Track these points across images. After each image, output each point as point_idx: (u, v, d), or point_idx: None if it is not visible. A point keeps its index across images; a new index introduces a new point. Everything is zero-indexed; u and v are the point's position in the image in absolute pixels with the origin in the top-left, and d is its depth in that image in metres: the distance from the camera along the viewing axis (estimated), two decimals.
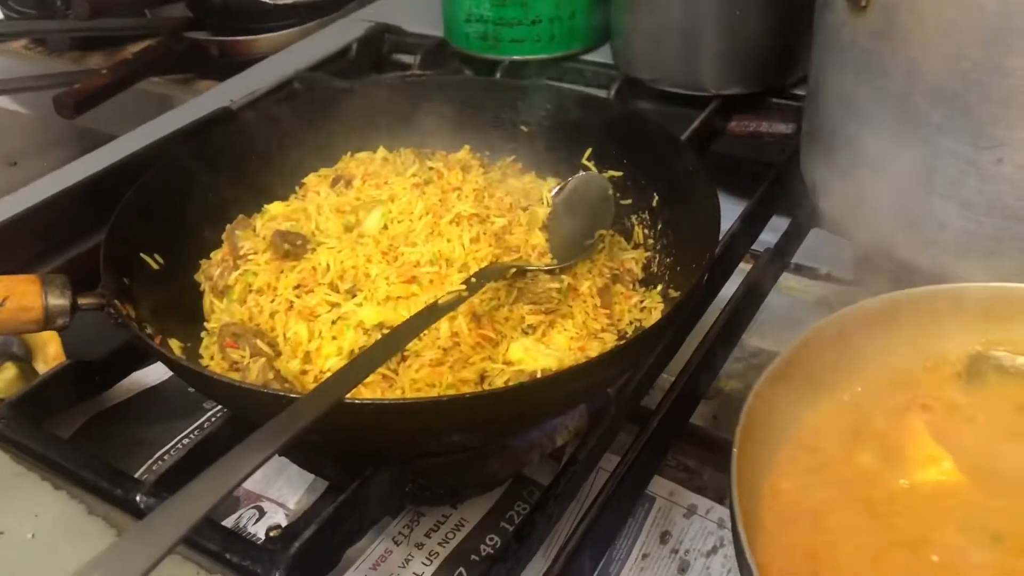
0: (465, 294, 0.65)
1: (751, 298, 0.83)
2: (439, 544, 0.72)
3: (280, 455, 0.73)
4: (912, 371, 0.64)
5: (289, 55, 1.27)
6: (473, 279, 0.67)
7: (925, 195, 0.74)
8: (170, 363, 0.62)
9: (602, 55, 1.19)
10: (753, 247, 0.93)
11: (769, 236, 0.93)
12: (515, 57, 1.18)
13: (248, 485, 0.77)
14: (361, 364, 0.56)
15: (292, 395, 0.55)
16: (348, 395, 0.54)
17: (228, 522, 0.74)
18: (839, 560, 0.53)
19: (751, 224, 0.90)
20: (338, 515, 0.63)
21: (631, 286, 0.76)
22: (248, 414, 0.60)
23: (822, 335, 0.62)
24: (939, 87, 0.70)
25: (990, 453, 0.59)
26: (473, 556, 0.71)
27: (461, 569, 0.70)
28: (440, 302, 0.64)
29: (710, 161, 0.96)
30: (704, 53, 1.06)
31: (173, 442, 0.79)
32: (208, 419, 0.80)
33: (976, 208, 0.71)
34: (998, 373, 0.64)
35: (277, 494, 0.76)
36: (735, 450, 0.53)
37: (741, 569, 0.50)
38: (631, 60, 1.12)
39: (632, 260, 0.77)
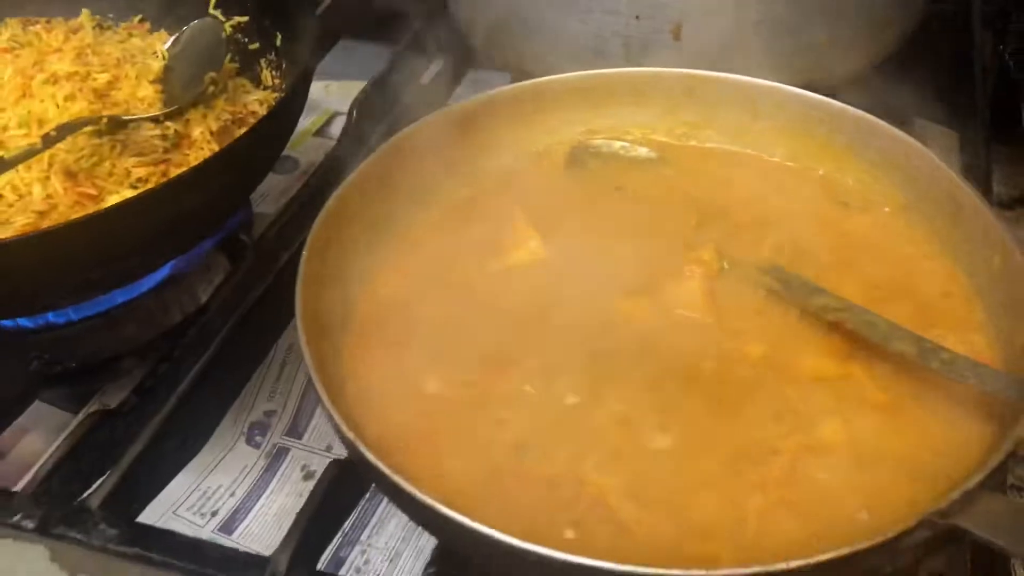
0: (39, 147, 0.61)
1: None
2: None
3: None
4: (517, 168, 0.66)
5: None
6: (53, 132, 0.62)
7: (537, 5, 0.75)
8: None
9: None
10: None
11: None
12: None
13: None
14: None
15: None
16: None
17: None
18: (422, 345, 0.54)
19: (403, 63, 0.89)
20: None
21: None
22: None
23: (417, 136, 0.62)
24: None
25: (580, 232, 0.61)
26: None
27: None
28: (7, 156, 0.59)
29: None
30: None
31: None
32: None
33: (577, 7, 0.72)
34: (597, 159, 0.67)
35: None
36: (305, 253, 0.53)
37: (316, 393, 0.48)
38: None
39: (256, 101, 0.74)
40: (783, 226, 0.60)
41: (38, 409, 0.69)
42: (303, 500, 0.59)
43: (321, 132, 1.00)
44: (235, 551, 0.55)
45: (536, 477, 0.47)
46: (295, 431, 0.70)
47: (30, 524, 0.52)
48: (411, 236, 0.61)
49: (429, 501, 0.41)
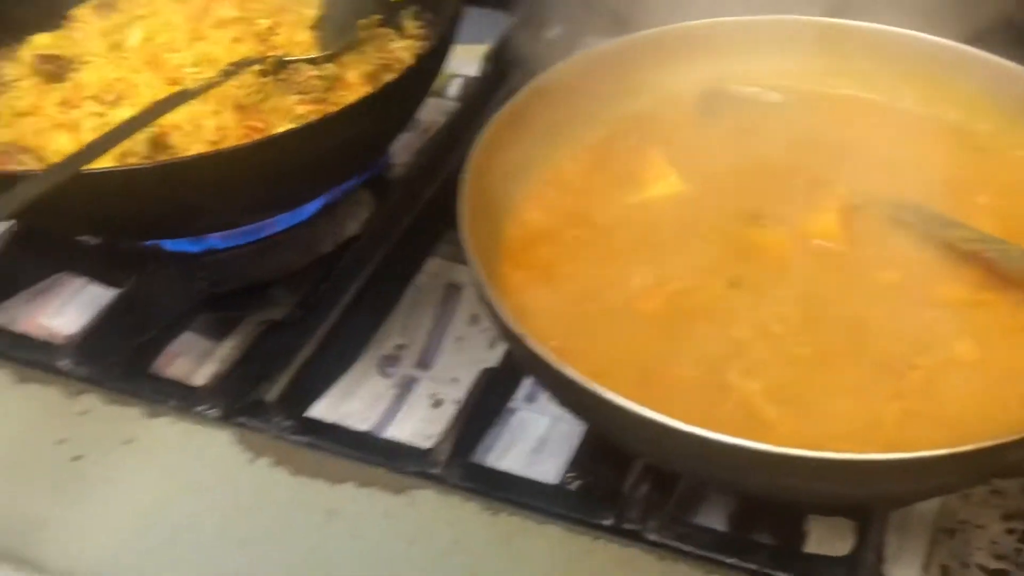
0: (217, 79, 0.66)
1: None
2: None
3: (68, 269, 0.75)
4: (652, 110, 0.69)
5: None
6: (229, 68, 0.68)
7: None
8: None
9: None
10: None
11: None
12: None
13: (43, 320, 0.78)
14: (100, 142, 0.57)
15: (26, 171, 0.56)
16: None
17: None
18: (570, 268, 0.58)
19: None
20: (119, 306, 0.65)
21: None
22: None
23: (559, 77, 0.66)
24: None
25: (715, 168, 0.64)
26: None
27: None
28: (191, 88, 0.65)
29: None
30: None
31: None
32: None
33: None
34: (729, 103, 0.69)
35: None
36: (464, 180, 0.57)
37: (481, 295, 0.53)
38: None
39: (403, 49, 0.79)
40: (915, 169, 0.62)
41: (188, 338, 0.76)
42: (434, 425, 0.64)
43: (442, 93, 1.04)
44: (397, 443, 0.60)
45: (683, 381, 0.50)
46: (424, 363, 0.75)
47: (214, 413, 0.58)
48: (553, 172, 0.65)
49: (597, 388, 0.45)
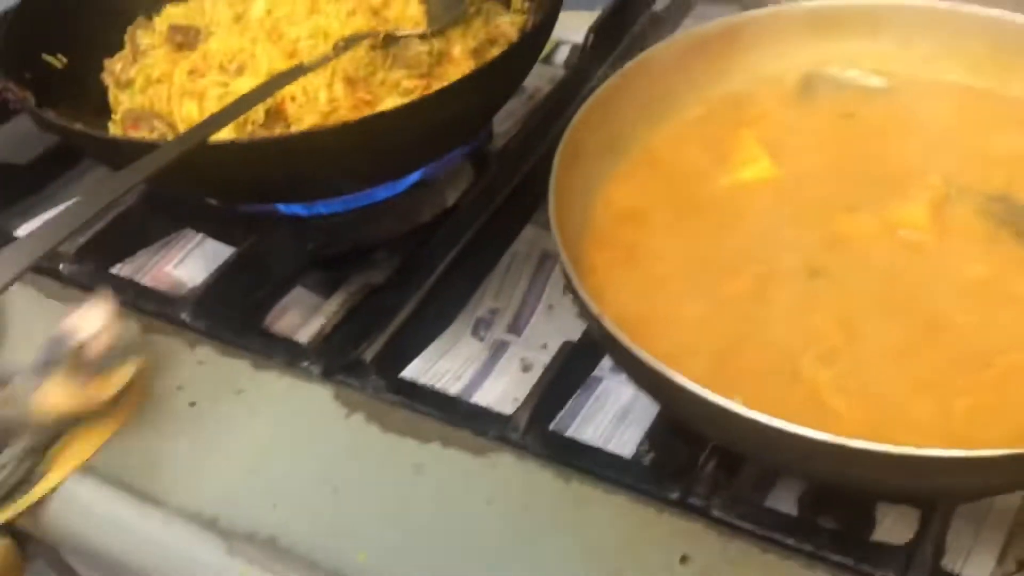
0: (331, 55, 0.70)
1: None
2: None
3: (191, 226, 0.81)
4: (750, 92, 0.70)
5: None
6: (341, 43, 0.72)
7: None
8: (52, 126, 0.68)
9: None
10: None
11: None
12: None
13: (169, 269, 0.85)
14: (224, 113, 0.62)
15: (157, 141, 0.61)
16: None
17: None
18: (655, 248, 0.60)
19: None
20: (237, 265, 0.71)
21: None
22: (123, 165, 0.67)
23: (658, 57, 0.67)
24: None
25: (808, 153, 0.64)
26: None
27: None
28: (306, 62, 0.69)
29: None
30: None
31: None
32: None
33: None
34: (829, 86, 0.69)
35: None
36: (556, 160, 0.59)
37: (564, 273, 0.54)
38: None
39: (507, 23, 0.81)
40: (1015, 162, 0.61)
41: (296, 293, 0.81)
42: (522, 388, 0.67)
43: (548, 60, 1.06)
44: (481, 407, 0.63)
45: (757, 366, 0.52)
46: (515, 328, 0.78)
47: (316, 370, 0.63)
48: (645, 151, 0.67)
49: (666, 371, 0.47)
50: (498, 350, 0.76)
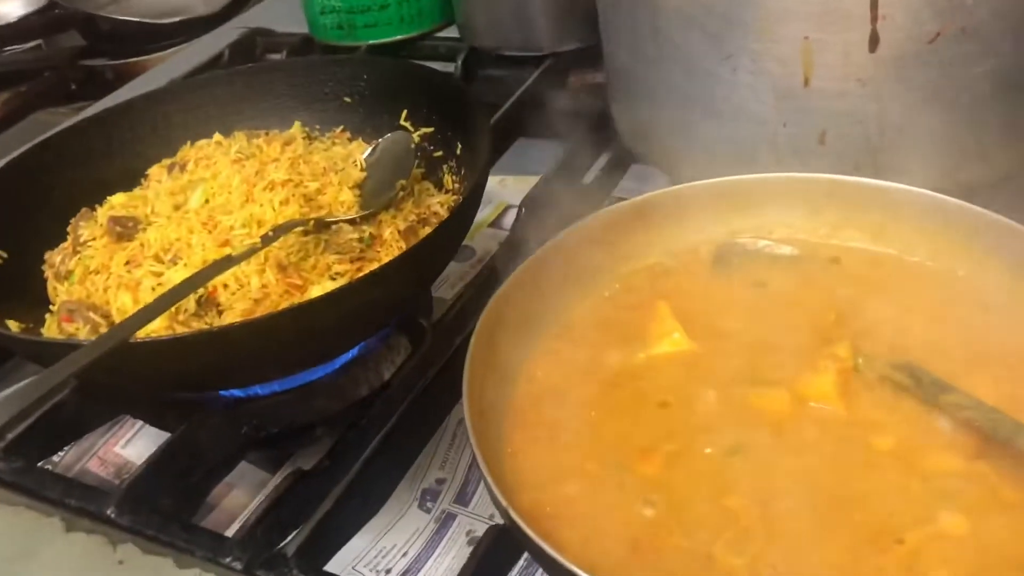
0: (259, 245, 0.72)
1: None
2: None
3: (127, 412, 0.81)
4: (666, 264, 0.72)
5: (165, 67, 1.35)
6: (270, 232, 0.74)
7: (690, 114, 0.81)
8: None
9: (452, 31, 1.26)
10: None
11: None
12: (371, 42, 1.26)
13: (117, 449, 0.84)
14: (151, 308, 0.63)
15: (80, 341, 0.62)
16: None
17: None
18: (572, 428, 0.61)
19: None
20: (167, 453, 0.71)
21: None
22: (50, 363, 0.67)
23: (575, 236, 0.69)
24: (678, 11, 0.77)
25: (722, 324, 0.66)
26: None
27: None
28: (234, 254, 0.71)
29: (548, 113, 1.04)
30: (536, 16, 1.15)
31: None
32: None
33: (727, 116, 0.78)
34: (741, 256, 0.71)
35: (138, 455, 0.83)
36: (474, 340, 0.61)
37: (477, 463, 0.55)
38: (473, 31, 1.20)
39: (438, 204, 0.84)
40: (920, 324, 0.63)
41: (242, 469, 0.81)
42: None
43: (496, 223, 1.09)
44: None
45: (673, 551, 0.51)
46: (463, 499, 0.78)
47: (238, 565, 0.62)
48: (565, 327, 0.68)
49: (574, 569, 0.46)
50: (445, 522, 0.75)
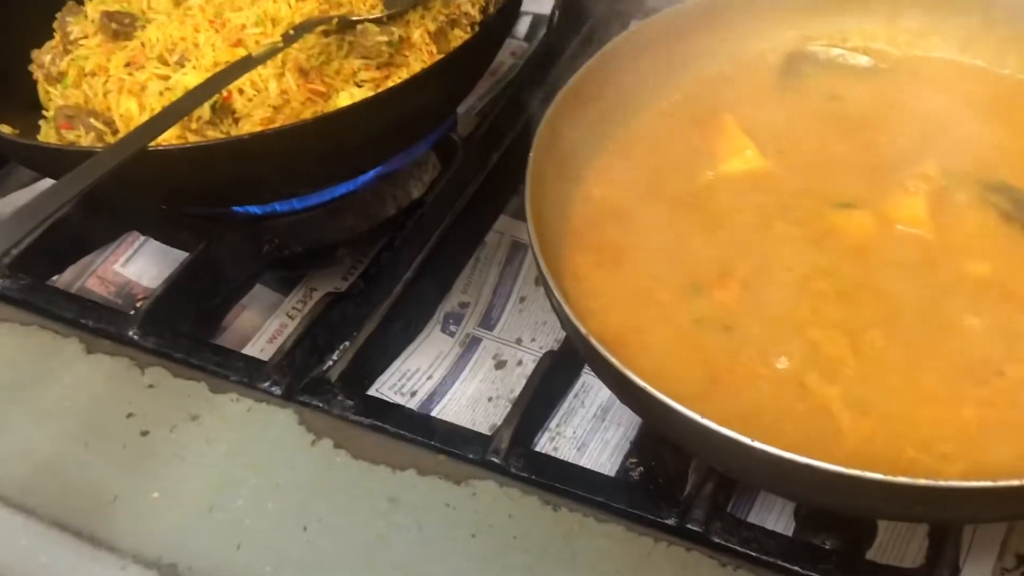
0: (280, 45, 0.65)
1: None
2: None
3: (136, 229, 0.76)
4: (730, 73, 0.66)
5: None
6: (291, 31, 0.66)
7: None
8: None
9: None
10: None
11: None
12: None
13: (117, 267, 0.79)
14: (166, 114, 0.57)
15: (92, 148, 0.56)
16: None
17: None
18: (638, 251, 0.56)
19: None
20: (187, 273, 0.66)
21: (469, 29, 0.76)
22: (57, 175, 0.61)
23: (633, 39, 0.63)
24: None
25: (795, 141, 0.61)
26: None
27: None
28: (254, 54, 0.64)
29: None
30: None
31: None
32: None
33: None
34: (813, 66, 0.65)
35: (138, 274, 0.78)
36: (531, 155, 0.55)
37: (546, 289, 0.51)
38: None
39: (469, 3, 0.76)
40: (1013, 144, 0.58)
41: (255, 290, 0.76)
42: (496, 386, 0.63)
43: (511, 33, 1.01)
44: (460, 428, 0.59)
45: (754, 379, 0.48)
46: (487, 323, 0.74)
47: (277, 391, 0.58)
48: (623, 141, 0.63)
49: (667, 401, 0.43)
50: (470, 346, 0.72)
